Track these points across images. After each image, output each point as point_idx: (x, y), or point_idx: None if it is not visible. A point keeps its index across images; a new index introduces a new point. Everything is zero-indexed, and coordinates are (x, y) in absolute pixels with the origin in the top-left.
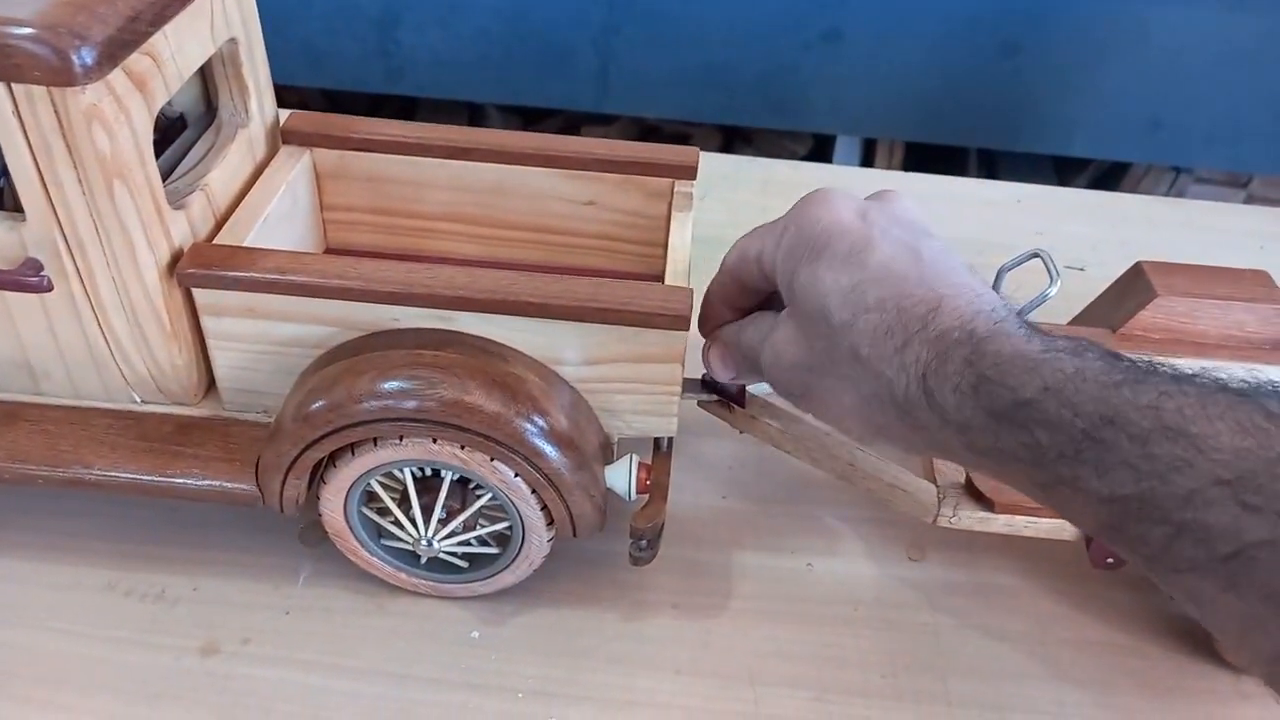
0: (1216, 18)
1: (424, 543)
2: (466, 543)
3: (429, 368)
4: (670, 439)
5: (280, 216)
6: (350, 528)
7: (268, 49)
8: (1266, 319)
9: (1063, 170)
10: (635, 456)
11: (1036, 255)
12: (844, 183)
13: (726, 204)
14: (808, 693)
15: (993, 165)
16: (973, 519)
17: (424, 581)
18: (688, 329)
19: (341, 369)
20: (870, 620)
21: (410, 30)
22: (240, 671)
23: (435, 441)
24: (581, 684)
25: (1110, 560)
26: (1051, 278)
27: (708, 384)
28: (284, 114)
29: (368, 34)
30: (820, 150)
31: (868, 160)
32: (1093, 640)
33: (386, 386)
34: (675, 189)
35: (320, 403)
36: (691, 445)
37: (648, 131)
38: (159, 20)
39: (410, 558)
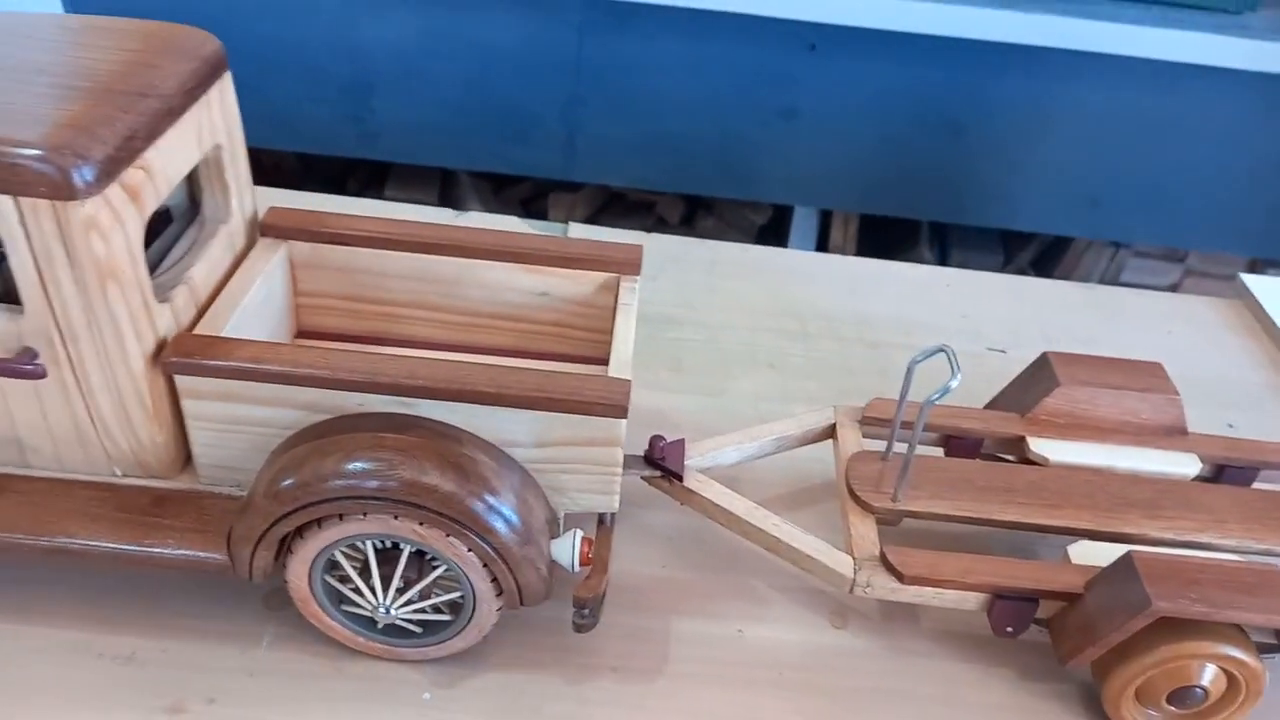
0: (1148, 101)
1: (382, 610)
2: (422, 610)
3: (390, 450)
4: (613, 514)
5: (257, 305)
6: (314, 594)
7: (241, 112)
8: (1158, 407)
9: (1010, 244)
10: (579, 532)
11: (942, 350)
12: (790, 265)
13: (676, 284)
14: None
15: (944, 238)
16: (885, 589)
17: (380, 645)
18: (625, 416)
19: (310, 449)
20: (794, 683)
21: (382, 97)
22: None
23: (396, 518)
24: None
25: (1010, 629)
26: (953, 371)
27: (650, 460)
28: (264, 205)
29: (339, 101)
30: (779, 220)
31: (824, 229)
32: (1002, 704)
33: (351, 467)
34: (621, 284)
35: (290, 480)
36: (635, 516)
37: (613, 198)
38: (152, 136)
39: (368, 623)
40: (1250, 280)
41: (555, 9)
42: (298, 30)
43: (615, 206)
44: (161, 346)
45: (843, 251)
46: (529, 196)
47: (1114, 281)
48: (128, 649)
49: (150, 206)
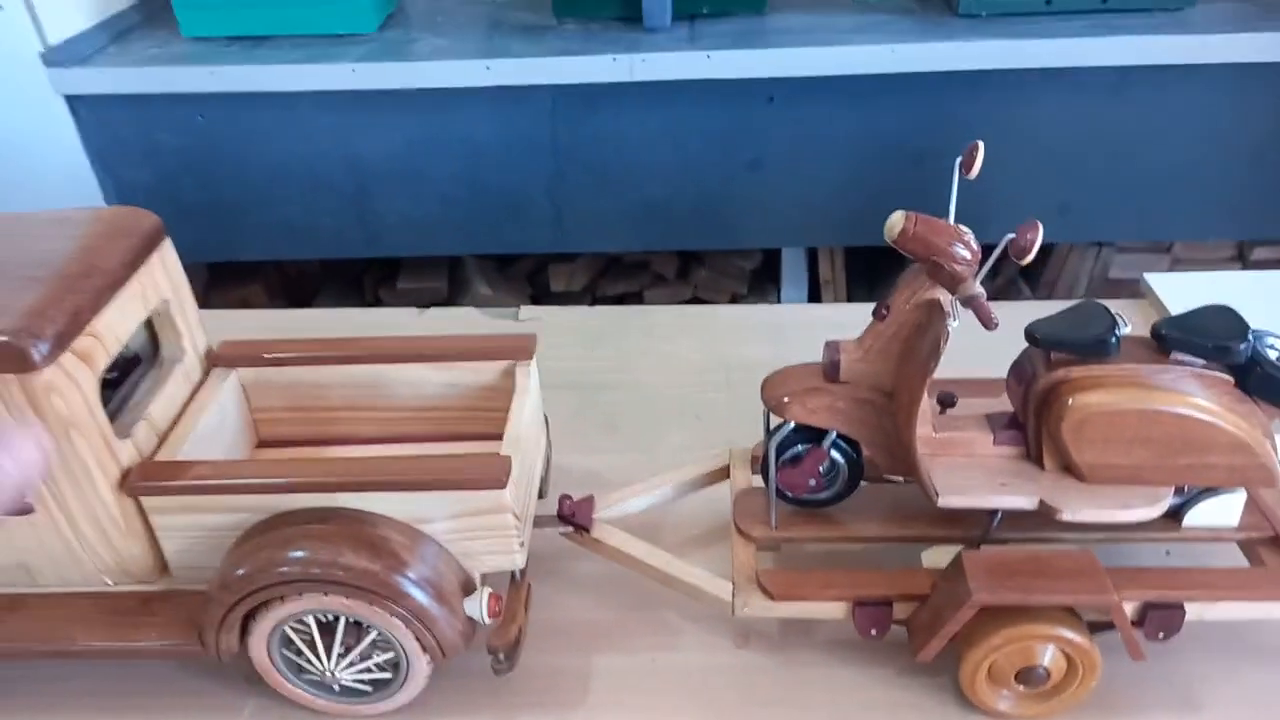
0: (1103, 105)
1: (328, 674)
2: (367, 669)
3: (314, 539)
4: (523, 570)
5: (212, 428)
6: (275, 666)
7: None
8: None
9: None
10: (488, 589)
11: None
12: (720, 321)
13: (616, 350)
14: None
15: None
16: (760, 607)
17: (340, 705)
18: (504, 488)
19: (251, 546)
20: (698, 702)
21: (381, 200)
22: None
23: (326, 594)
24: None
25: (873, 632)
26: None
27: (562, 516)
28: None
29: (345, 209)
30: (770, 263)
31: (814, 266)
32: (879, 701)
33: (285, 555)
34: (516, 370)
35: (238, 573)
36: (570, 568)
37: (611, 262)
38: (97, 307)
39: (326, 688)
40: (1153, 279)
41: (527, 99)
42: (303, 150)
43: (613, 270)
44: (126, 475)
45: (833, 285)
46: (532, 271)
47: (1103, 278)
48: None
49: (101, 364)
